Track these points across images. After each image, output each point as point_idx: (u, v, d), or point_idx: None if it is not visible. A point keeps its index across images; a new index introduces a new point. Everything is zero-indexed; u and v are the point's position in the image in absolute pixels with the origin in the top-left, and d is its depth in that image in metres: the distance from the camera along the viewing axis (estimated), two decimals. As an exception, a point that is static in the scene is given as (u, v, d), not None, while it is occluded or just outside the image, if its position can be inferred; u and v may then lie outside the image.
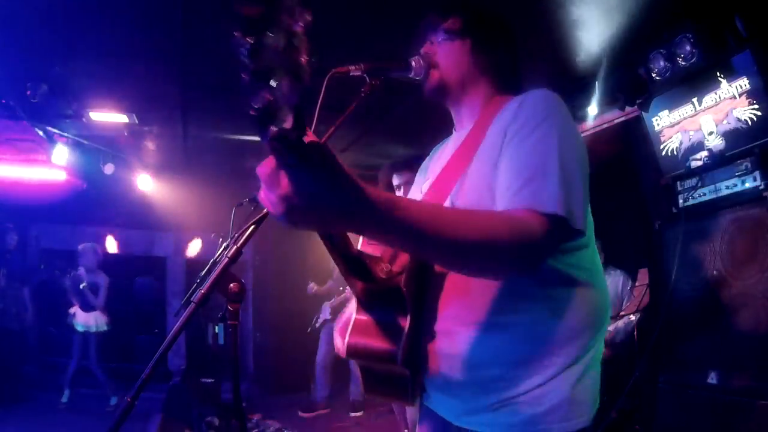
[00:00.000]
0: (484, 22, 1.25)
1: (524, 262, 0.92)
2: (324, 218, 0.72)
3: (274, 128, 0.61)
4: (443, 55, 1.22)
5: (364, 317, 1.11)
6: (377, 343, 1.06)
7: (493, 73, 1.24)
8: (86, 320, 5.82)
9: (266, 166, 0.70)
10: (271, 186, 0.70)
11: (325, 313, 5.72)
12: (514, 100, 1.10)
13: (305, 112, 0.62)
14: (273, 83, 0.57)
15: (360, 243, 1.12)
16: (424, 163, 1.43)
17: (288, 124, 0.60)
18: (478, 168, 1.10)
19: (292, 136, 0.62)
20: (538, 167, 0.96)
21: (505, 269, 0.94)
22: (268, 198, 0.71)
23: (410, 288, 1.04)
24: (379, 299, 1.09)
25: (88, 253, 6.01)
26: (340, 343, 1.15)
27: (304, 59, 0.58)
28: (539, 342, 1.03)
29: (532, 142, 1.00)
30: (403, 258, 1.06)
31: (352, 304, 1.16)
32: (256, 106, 0.59)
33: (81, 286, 5.83)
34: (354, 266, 1.03)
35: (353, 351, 1.10)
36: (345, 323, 1.16)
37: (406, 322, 1.03)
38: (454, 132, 1.33)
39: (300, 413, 5.62)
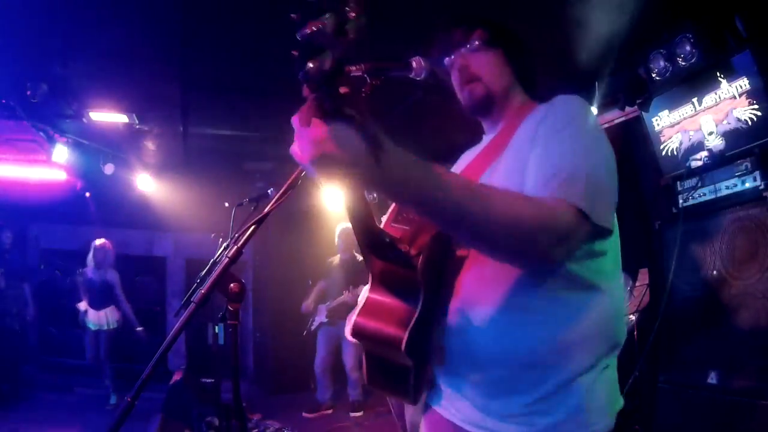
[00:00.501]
0: (507, 32, 1.27)
1: (551, 247, 0.91)
2: (352, 166, 0.73)
3: (311, 64, 0.64)
4: (481, 67, 1.22)
5: (376, 297, 1.08)
6: (384, 326, 1.03)
7: (523, 81, 1.28)
8: (98, 318, 5.81)
9: (300, 113, 0.73)
10: (303, 131, 0.72)
11: (321, 316, 5.64)
12: (543, 105, 1.13)
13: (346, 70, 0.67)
14: (321, 22, 0.62)
15: (384, 223, 1.11)
16: (451, 169, 1.41)
17: (327, 66, 0.64)
18: (506, 165, 1.10)
19: (329, 79, 0.66)
20: (567, 162, 0.97)
21: (534, 251, 0.92)
22: (299, 144, 0.74)
23: (426, 273, 1.02)
24: (393, 281, 1.07)
25: (103, 249, 5.96)
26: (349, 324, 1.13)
27: (353, 14, 0.63)
28: (552, 345, 1.01)
29: (561, 139, 1.01)
30: (422, 240, 1.04)
31: (368, 284, 1.13)
32: (301, 34, 0.63)
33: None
34: (374, 244, 1.02)
35: (359, 331, 1.06)
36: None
37: (416, 308, 1.01)
38: (483, 137, 1.34)
39: (304, 414, 5.62)
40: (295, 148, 0.75)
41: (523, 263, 0.99)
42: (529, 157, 1.04)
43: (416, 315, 1.00)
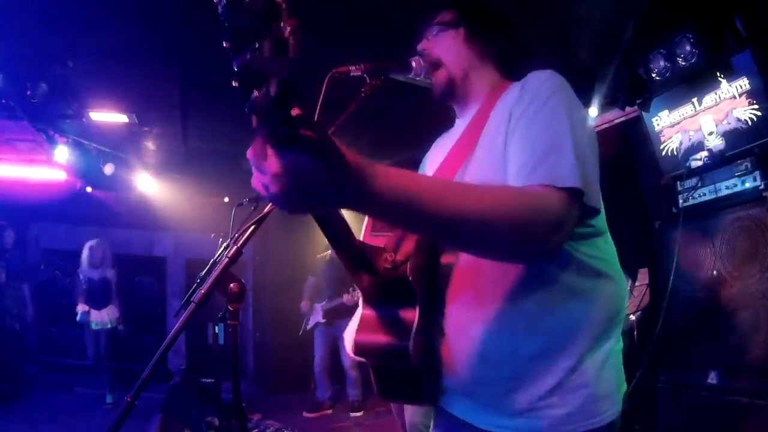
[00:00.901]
0: (478, 11, 1.23)
1: (548, 237, 0.87)
2: (317, 197, 0.68)
3: (256, 93, 0.58)
4: (440, 49, 1.19)
5: (371, 312, 1.04)
6: (386, 339, 1.00)
7: (494, 62, 1.21)
8: (101, 317, 5.81)
9: (254, 147, 0.67)
10: (260, 167, 0.66)
11: (317, 315, 5.61)
12: (517, 84, 1.07)
13: (297, 90, 0.59)
14: (255, 45, 0.55)
15: (363, 234, 1.09)
16: (424, 157, 1.37)
17: (272, 92, 0.57)
18: (483, 152, 1.06)
19: (277, 105, 0.58)
20: (551, 144, 0.93)
21: (531, 246, 0.88)
22: (259, 180, 0.68)
23: (417, 277, 0.98)
24: (385, 292, 1.03)
25: (101, 247, 5.96)
26: (349, 344, 1.10)
27: (287, 30, 0.56)
28: (555, 334, 0.98)
29: (541, 119, 0.97)
30: (407, 246, 1.00)
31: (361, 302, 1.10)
32: (236, 67, 0.57)
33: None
34: (357, 260, 0.99)
35: (362, 349, 1.04)
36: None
37: (414, 314, 0.98)
38: (456, 121, 1.29)
39: (304, 413, 5.63)
40: (258, 185, 0.69)
41: (523, 259, 0.96)
42: (505, 141, 1.00)
43: (416, 320, 0.98)
